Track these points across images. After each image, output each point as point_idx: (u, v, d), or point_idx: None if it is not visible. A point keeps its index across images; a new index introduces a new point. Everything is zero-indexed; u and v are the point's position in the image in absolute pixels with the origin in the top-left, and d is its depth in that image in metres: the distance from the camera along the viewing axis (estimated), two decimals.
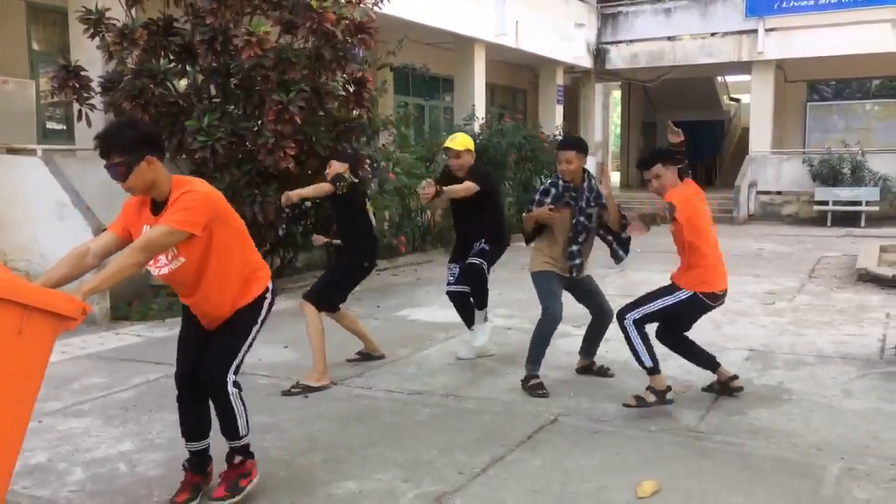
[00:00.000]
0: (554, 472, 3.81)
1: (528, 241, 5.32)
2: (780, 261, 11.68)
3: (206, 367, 3.37)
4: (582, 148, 5.13)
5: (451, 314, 6.29)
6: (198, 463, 3.55)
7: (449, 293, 5.92)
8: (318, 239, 5.87)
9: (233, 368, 3.38)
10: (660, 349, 5.38)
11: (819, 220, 17.93)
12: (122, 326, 7.41)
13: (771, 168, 19.45)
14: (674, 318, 4.76)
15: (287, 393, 5.12)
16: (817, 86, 22.10)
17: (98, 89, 8.50)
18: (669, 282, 4.72)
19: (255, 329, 3.43)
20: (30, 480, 3.79)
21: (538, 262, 5.17)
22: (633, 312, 4.62)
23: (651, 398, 4.58)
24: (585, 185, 5.09)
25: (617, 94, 29.50)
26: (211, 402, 3.45)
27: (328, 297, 5.51)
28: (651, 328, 4.74)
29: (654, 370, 4.60)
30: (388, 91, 12.47)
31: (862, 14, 17.99)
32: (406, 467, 3.89)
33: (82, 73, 8.37)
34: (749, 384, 5.22)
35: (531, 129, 16.35)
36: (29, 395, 2.86)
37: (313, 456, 4.06)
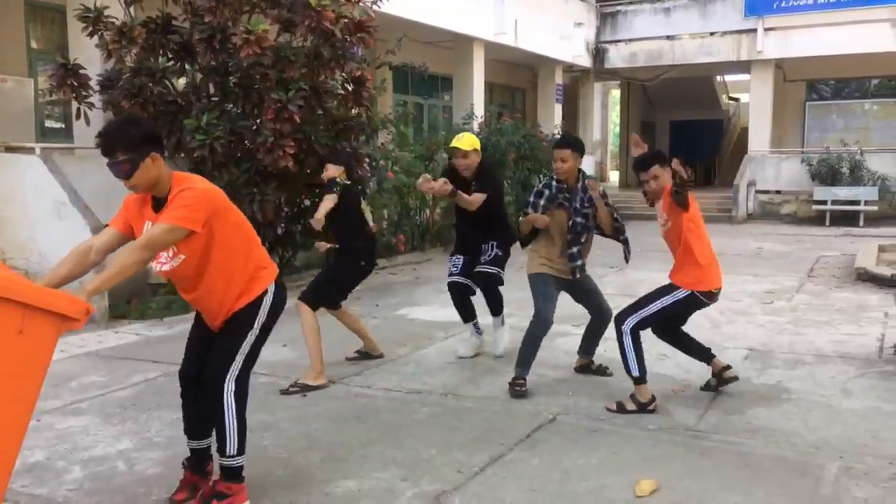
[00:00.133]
0: (552, 470, 3.81)
1: (523, 245, 5.33)
2: (778, 260, 11.68)
3: (207, 368, 3.36)
4: (577, 147, 5.13)
5: (451, 313, 6.29)
6: (197, 462, 3.54)
7: (450, 284, 5.91)
8: (322, 245, 5.86)
9: (233, 370, 3.31)
10: (657, 348, 5.40)
11: (818, 220, 17.93)
12: (120, 325, 7.40)
13: (770, 167, 19.45)
14: (673, 317, 4.80)
15: (285, 392, 5.12)
16: (816, 85, 22.10)
17: (97, 87, 8.49)
18: (667, 282, 4.73)
19: (251, 331, 3.33)
20: (28, 479, 3.78)
21: (535, 263, 5.16)
22: (631, 317, 4.63)
23: (631, 406, 4.61)
24: (580, 185, 5.09)
25: (616, 94, 29.54)
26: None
27: (324, 297, 5.52)
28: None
29: (640, 380, 4.62)
30: (387, 90, 12.46)
31: (861, 13, 17.99)
32: (405, 466, 3.89)
33: (81, 71, 8.35)
34: (748, 383, 5.23)
35: (530, 128, 16.34)
36: (29, 395, 2.85)
37: (312, 455, 4.06)
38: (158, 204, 3.20)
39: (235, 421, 3.31)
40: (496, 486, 3.65)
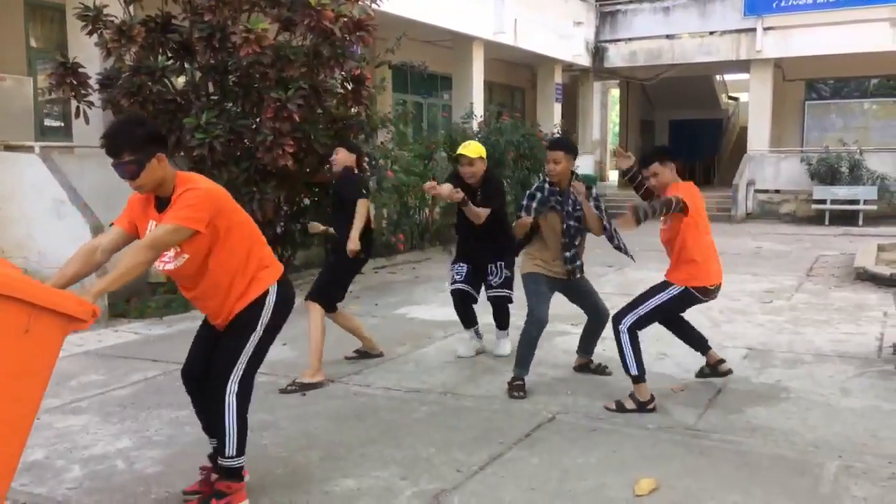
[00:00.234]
0: (552, 470, 3.82)
1: (519, 249, 5.36)
2: (778, 259, 11.69)
3: (212, 368, 3.36)
4: (570, 149, 5.13)
5: (450, 312, 6.29)
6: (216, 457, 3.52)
7: (453, 291, 5.91)
8: (315, 227, 5.87)
9: (236, 372, 3.30)
10: (656, 347, 5.40)
11: (817, 219, 17.94)
12: (120, 324, 7.40)
13: (769, 167, 19.45)
14: (669, 313, 4.86)
15: (284, 391, 5.13)
16: (816, 85, 22.10)
17: (96, 86, 8.48)
18: (663, 279, 4.76)
19: (254, 333, 3.32)
20: (27, 478, 3.78)
21: (529, 264, 5.17)
22: (628, 317, 4.65)
23: (630, 405, 4.63)
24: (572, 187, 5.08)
25: (615, 93, 29.53)
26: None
27: (331, 296, 5.56)
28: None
29: (639, 379, 4.63)
30: (386, 89, 12.44)
31: (860, 13, 17.99)
32: (404, 465, 3.89)
33: (80, 70, 8.35)
34: (747, 382, 5.24)
35: (529, 127, 16.36)
36: (34, 394, 2.85)
37: (311, 454, 4.06)
38: (162, 203, 3.21)
39: (236, 422, 3.30)
40: (495, 485, 3.65)
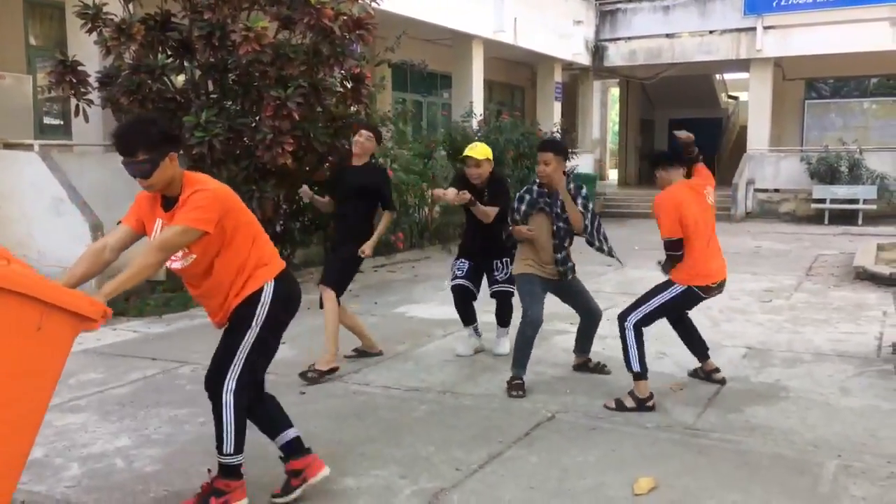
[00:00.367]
0: (551, 468, 3.82)
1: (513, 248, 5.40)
2: (777, 258, 11.69)
3: (210, 365, 3.37)
4: (560, 150, 5.13)
5: (449, 311, 6.29)
6: (287, 450, 3.53)
7: (454, 287, 5.92)
8: (306, 192, 5.86)
9: (233, 369, 3.28)
10: (655, 346, 5.40)
11: (816, 218, 17.94)
12: (119, 322, 7.39)
13: (769, 166, 19.45)
14: (673, 310, 4.90)
15: (303, 376, 5.28)
16: (815, 84, 22.10)
17: (95, 84, 8.48)
18: (666, 278, 4.81)
19: (249, 330, 3.30)
20: (26, 476, 3.77)
21: (522, 264, 5.17)
22: (633, 314, 4.72)
23: (630, 403, 4.64)
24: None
25: (615, 92, 29.53)
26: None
27: (344, 283, 5.65)
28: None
29: (640, 376, 4.64)
30: (386, 87, 12.45)
31: (860, 12, 17.98)
32: (403, 464, 3.89)
33: (79, 68, 8.34)
34: (746, 382, 5.24)
35: (529, 126, 16.34)
36: (43, 393, 2.86)
37: None
38: (168, 203, 3.23)
39: (233, 419, 3.29)
40: (494, 484, 3.65)
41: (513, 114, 17.67)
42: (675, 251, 4.67)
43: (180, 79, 8.80)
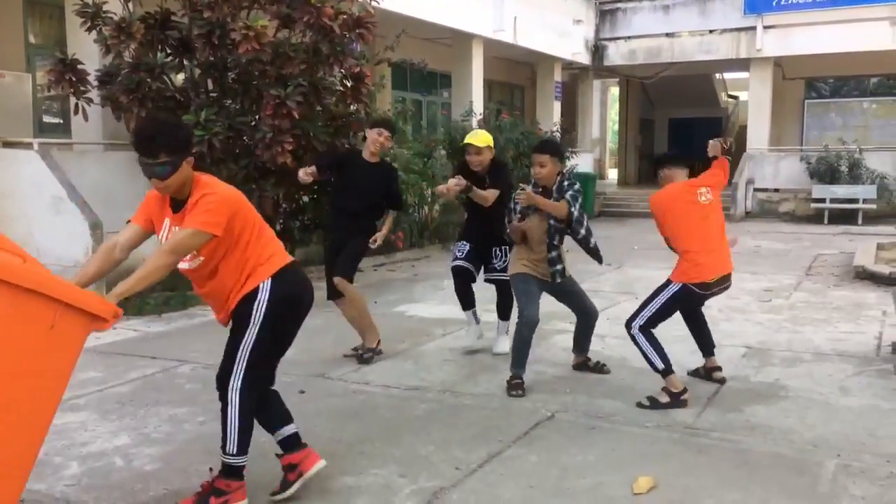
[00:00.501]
0: (550, 468, 3.81)
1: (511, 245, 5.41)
2: (777, 258, 11.69)
3: (220, 365, 3.38)
4: (556, 152, 5.15)
5: (449, 310, 6.29)
6: (285, 446, 3.55)
7: (454, 268, 5.93)
8: (305, 176, 5.83)
9: (237, 368, 3.29)
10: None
11: (816, 218, 17.93)
12: (118, 321, 7.38)
13: (768, 165, 19.44)
14: (674, 308, 4.89)
15: (356, 355, 5.75)
16: (815, 83, 22.10)
17: (95, 83, 8.47)
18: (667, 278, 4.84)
19: (249, 328, 3.30)
20: None
21: (517, 264, 5.17)
22: (636, 320, 4.76)
23: (664, 399, 4.65)
24: (555, 187, 5.07)
25: (615, 91, 29.52)
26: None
27: (353, 269, 5.83)
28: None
29: (667, 371, 4.67)
30: (385, 86, 12.43)
31: (860, 12, 17.97)
32: (403, 463, 3.89)
33: (79, 66, 8.34)
34: (746, 381, 5.24)
35: (529, 125, 16.34)
36: (54, 392, 2.87)
37: None
38: (177, 204, 3.26)
39: (238, 419, 3.29)
40: (494, 483, 3.65)
41: (513, 113, 17.66)
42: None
43: (180, 77, 8.79)
